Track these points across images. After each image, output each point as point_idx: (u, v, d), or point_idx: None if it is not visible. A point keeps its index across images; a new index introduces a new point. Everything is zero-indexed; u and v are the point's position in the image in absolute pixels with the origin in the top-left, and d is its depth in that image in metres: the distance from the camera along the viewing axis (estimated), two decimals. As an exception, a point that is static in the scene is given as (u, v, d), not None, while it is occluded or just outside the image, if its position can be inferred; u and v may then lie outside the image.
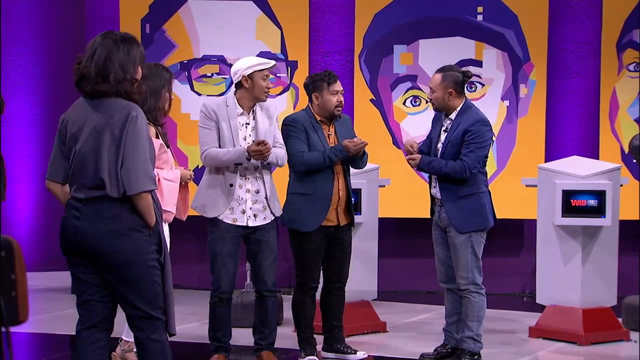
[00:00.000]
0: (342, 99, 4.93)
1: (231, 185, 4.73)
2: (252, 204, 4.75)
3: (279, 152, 4.77)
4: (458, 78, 4.84)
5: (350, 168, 5.03)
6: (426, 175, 5.15)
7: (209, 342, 4.88)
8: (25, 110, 7.83)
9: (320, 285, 5.06)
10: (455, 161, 4.78)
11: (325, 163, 4.83)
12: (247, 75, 4.69)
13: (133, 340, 4.62)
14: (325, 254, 4.98)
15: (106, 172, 3.31)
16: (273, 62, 4.80)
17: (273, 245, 4.84)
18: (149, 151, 3.38)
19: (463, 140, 4.78)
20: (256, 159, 4.69)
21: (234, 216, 4.74)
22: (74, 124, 3.40)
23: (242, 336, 5.33)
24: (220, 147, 4.72)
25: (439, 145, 4.90)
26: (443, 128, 4.91)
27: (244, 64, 4.72)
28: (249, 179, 4.75)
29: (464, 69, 5.03)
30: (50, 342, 5.73)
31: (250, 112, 4.78)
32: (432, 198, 4.98)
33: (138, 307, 3.39)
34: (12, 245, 2.04)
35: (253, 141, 4.69)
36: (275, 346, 4.94)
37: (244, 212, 4.75)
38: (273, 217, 4.83)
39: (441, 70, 4.90)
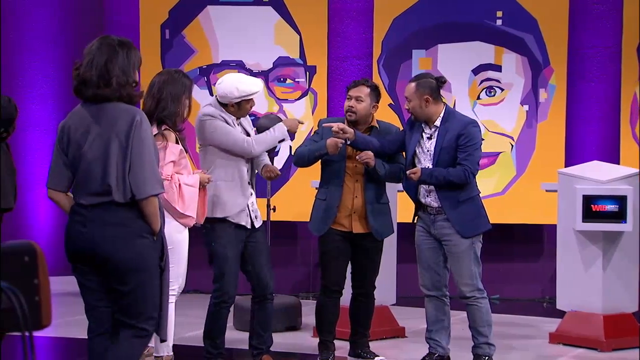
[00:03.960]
0: (352, 104, 4.88)
1: (249, 182, 4.74)
2: (251, 205, 4.78)
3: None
4: (432, 84, 4.80)
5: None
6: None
7: (208, 348, 4.73)
8: (46, 117, 7.88)
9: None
10: (455, 167, 4.74)
11: (309, 154, 4.85)
12: (235, 103, 4.69)
13: (153, 345, 4.65)
14: (351, 261, 4.98)
15: (114, 178, 3.29)
16: (261, 86, 4.76)
17: (267, 245, 4.89)
18: (154, 154, 3.36)
19: (457, 144, 4.75)
20: (269, 177, 4.80)
21: (246, 219, 4.73)
22: (76, 130, 3.37)
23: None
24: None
25: (424, 150, 4.81)
26: (426, 135, 4.83)
27: (233, 93, 4.64)
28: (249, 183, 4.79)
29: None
30: (70, 346, 5.76)
31: (237, 120, 4.81)
32: (421, 206, 4.88)
33: (130, 317, 3.33)
34: (36, 250, 2.05)
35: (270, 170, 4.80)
36: (293, 351, 4.93)
37: (252, 213, 4.76)
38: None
39: (415, 78, 4.89)
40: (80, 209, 3.36)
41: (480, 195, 4.91)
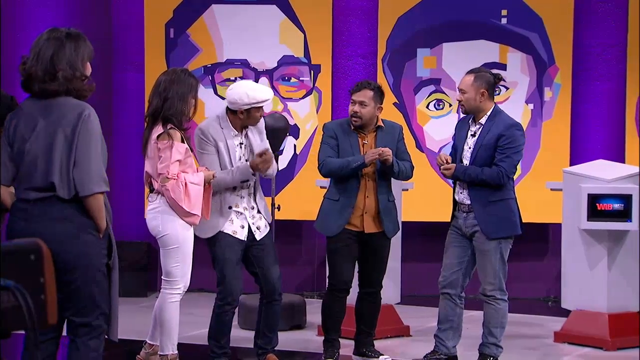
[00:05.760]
0: (357, 109, 4.85)
1: (230, 207, 4.69)
2: (252, 219, 4.74)
3: (273, 164, 4.79)
4: (490, 79, 4.81)
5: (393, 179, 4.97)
6: (450, 180, 5.11)
7: (212, 347, 4.74)
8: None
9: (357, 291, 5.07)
10: (491, 167, 4.74)
11: (345, 168, 4.82)
12: (245, 110, 4.66)
13: (158, 344, 4.65)
14: (359, 260, 4.98)
15: (57, 173, 3.23)
16: (271, 95, 4.73)
17: (274, 247, 4.87)
18: (101, 152, 3.29)
19: (497, 144, 4.74)
20: (263, 170, 4.66)
21: (233, 228, 4.69)
22: (25, 125, 3.31)
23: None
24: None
25: (466, 147, 4.85)
26: (470, 133, 4.86)
27: (243, 99, 4.61)
28: (244, 197, 4.73)
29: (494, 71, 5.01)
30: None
31: (242, 131, 4.75)
32: (456, 203, 4.94)
33: (83, 315, 3.27)
34: (41, 249, 2.06)
35: (256, 154, 4.66)
36: (298, 350, 4.94)
37: (242, 227, 4.71)
38: (268, 224, 4.84)
39: (472, 71, 4.87)
40: (22, 205, 3.28)
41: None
